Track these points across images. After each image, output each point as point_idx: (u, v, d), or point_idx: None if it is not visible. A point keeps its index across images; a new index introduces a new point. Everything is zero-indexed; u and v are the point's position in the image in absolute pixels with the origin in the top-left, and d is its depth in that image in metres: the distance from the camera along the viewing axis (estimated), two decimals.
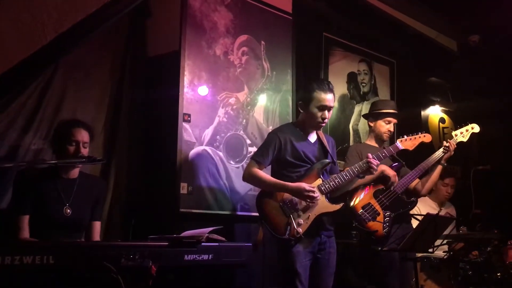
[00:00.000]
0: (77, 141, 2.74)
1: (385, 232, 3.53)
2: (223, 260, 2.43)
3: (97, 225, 2.89)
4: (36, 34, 2.86)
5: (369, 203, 3.61)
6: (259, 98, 4.24)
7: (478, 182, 5.31)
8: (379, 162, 3.18)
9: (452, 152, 3.70)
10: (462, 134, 3.77)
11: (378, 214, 3.58)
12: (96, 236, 2.88)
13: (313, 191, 2.99)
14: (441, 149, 3.72)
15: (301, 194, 2.99)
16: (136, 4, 3.36)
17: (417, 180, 3.82)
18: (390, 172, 3.62)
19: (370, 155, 3.14)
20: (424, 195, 4.03)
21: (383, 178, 3.61)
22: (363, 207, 3.58)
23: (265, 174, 3.11)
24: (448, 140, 3.73)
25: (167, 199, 3.63)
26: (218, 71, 3.97)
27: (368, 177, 3.39)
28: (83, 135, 2.77)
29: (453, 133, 3.82)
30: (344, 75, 5.30)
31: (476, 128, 3.78)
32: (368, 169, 3.12)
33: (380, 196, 3.63)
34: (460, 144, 3.78)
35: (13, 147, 3.19)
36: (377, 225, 3.55)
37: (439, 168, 3.79)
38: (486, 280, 4.14)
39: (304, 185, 2.99)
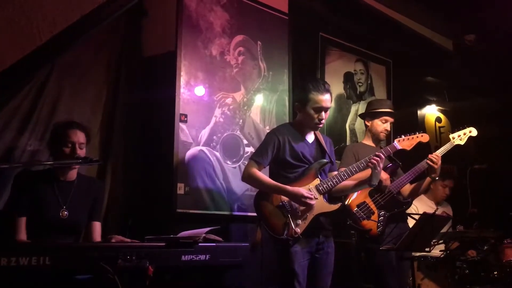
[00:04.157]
0: (73, 142, 2.72)
1: (379, 231, 3.55)
2: (220, 261, 2.43)
3: (97, 226, 2.87)
4: (31, 35, 2.85)
5: (364, 201, 3.62)
6: (256, 98, 4.24)
7: (474, 181, 5.32)
8: (384, 158, 3.14)
9: (437, 166, 3.59)
10: (460, 137, 3.75)
11: (373, 213, 3.59)
12: (97, 236, 2.85)
13: (311, 198, 2.99)
14: (425, 162, 3.64)
15: (298, 199, 2.99)
16: (131, 4, 3.35)
17: (408, 185, 3.80)
18: (383, 175, 3.61)
19: (377, 153, 3.12)
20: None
21: None
22: (358, 206, 3.60)
23: (264, 175, 3.11)
24: (431, 155, 3.62)
25: (163, 199, 3.62)
26: (215, 71, 3.97)
27: (365, 173, 3.27)
28: (79, 136, 2.76)
29: (450, 136, 3.80)
30: (340, 75, 5.31)
31: (473, 132, 3.76)
32: (367, 166, 3.10)
33: (376, 196, 3.64)
34: (457, 145, 3.77)
35: (9, 149, 3.18)
36: (371, 224, 3.56)
37: (427, 180, 3.74)
38: (483, 278, 4.15)
39: (302, 191, 2.99)
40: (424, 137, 3.51)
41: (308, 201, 2.98)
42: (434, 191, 4.71)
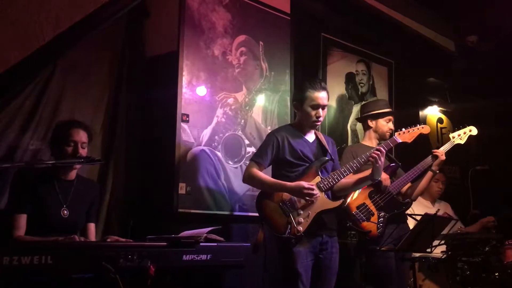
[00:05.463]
0: (75, 141, 2.73)
1: (379, 232, 3.54)
2: (222, 260, 2.44)
3: (92, 227, 2.90)
4: (34, 35, 2.85)
5: (364, 203, 3.61)
6: (258, 98, 4.24)
7: (476, 182, 5.32)
8: (384, 152, 3.15)
9: (443, 158, 3.65)
10: (460, 137, 3.76)
11: (373, 214, 3.58)
12: (92, 237, 2.87)
13: (312, 189, 2.99)
14: (430, 157, 3.68)
15: (300, 192, 2.99)
16: (134, 4, 3.36)
17: (409, 184, 3.80)
18: (382, 176, 3.60)
19: (378, 147, 3.14)
20: (414, 200, 3.97)
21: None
22: (357, 207, 3.59)
23: (264, 175, 3.11)
24: (435, 150, 3.68)
25: (165, 199, 3.62)
26: (217, 71, 3.97)
27: (365, 174, 3.28)
28: (81, 136, 2.77)
29: (451, 135, 3.81)
30: (342, 76, 5.30)
31: (474, 130, 3.77)
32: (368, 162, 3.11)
33: (375, 197, 3.64)
34: (458, 145, 3.78)
35: (11, 148, 3.18)
36: (371, 225, 3.56)
37: (429, 174, 3.74)
38: (484, 280, 4.14)
39: (302, 183, 2.99)
40: (425, 129, 3.51)
41: (310, 191, 2.96)
42: (429, 188, 4.69)
